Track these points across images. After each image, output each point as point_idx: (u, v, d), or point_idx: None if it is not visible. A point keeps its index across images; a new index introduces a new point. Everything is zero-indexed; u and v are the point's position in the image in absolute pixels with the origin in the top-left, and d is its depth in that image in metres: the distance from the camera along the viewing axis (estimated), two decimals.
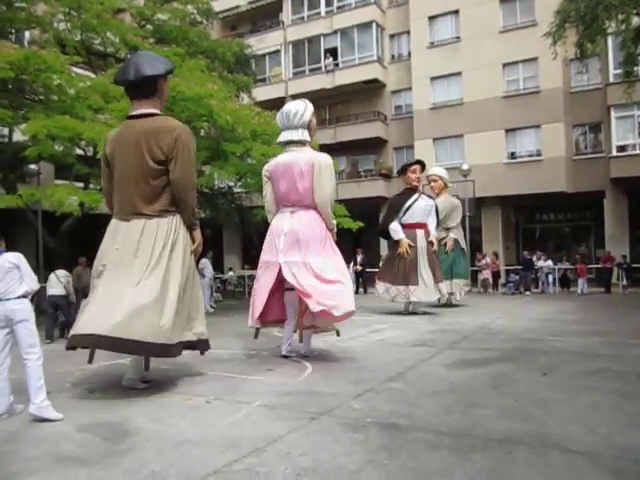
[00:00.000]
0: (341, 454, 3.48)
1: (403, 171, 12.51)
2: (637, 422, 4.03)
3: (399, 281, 11.56)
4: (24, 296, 4.59)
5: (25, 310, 4.54)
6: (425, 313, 11.95)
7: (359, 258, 20.50)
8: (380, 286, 12.05)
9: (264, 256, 6.94)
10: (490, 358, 6.67)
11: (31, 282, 4.67)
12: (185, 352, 7.05)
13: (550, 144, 21.54)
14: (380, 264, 14.17)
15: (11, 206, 11.39)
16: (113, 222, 5.91)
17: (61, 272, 10.72)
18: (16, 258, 4.63)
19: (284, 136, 7.25)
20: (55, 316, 10.52)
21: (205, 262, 15.26)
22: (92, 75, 15.20)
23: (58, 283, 10.52)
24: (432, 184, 14.38)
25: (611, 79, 20.23)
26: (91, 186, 13.46)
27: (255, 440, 3.76)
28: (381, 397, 4.88)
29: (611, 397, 4.75)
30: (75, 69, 13.78)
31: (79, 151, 13.71)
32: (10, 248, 4.91)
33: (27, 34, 16.98)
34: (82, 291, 13.20)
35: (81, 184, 13.73)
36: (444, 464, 3.29)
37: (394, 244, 11.88)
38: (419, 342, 8.11)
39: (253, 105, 17.15)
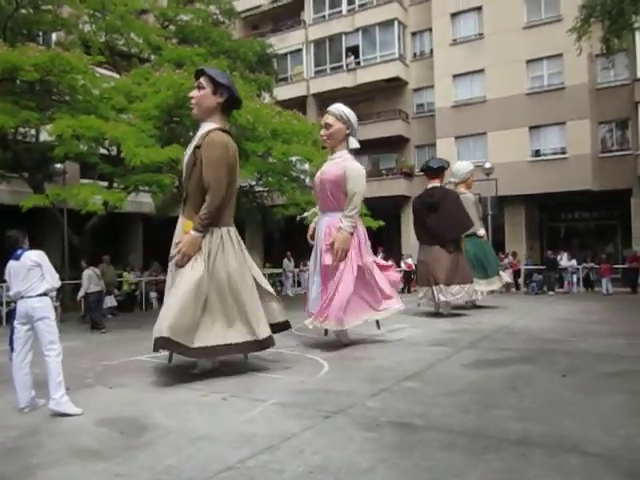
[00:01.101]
0: (354, 453, 3.49)
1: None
2: None
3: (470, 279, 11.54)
4: (45, 294, 4.70)
5: (45, 308, 4.65)
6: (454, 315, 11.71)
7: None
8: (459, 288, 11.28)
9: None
10: (509, 358, 6.59)
11: (52, 280, 4.78)
12: None
13: (575, 141, 21.15)
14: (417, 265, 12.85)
15: (38, 205, 11.62)
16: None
17: (97, 270, 11.65)
18: (38, 256, 4.74)
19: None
20: (99, 307, 11.62)
21: None
22: (116, 76, 15.43)
23: (98, 281, 11.35)
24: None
25: (639, 75, 19.75)
26: (115, 185, 13.67)
27: (269, 437, 3.79)
28: (397, 396, 4.87)
29: (632, 399, 4.66)
30: (99, 70, 14.02)
31: (103, 151, 13.94)
32: (37, 246, 5.04)
33: (54, 36, 17.30)
34: (105, 287, 13.50)
35: (105, 183, 13.96)
36: (457, 464, 3.27)
37: (458, 243, 11.60)
38: (438, 342, 8.06)
39: (274, 104, 17.19)
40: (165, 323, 5.40)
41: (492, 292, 13.62)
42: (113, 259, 15.04)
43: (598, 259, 19.05)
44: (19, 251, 4.75)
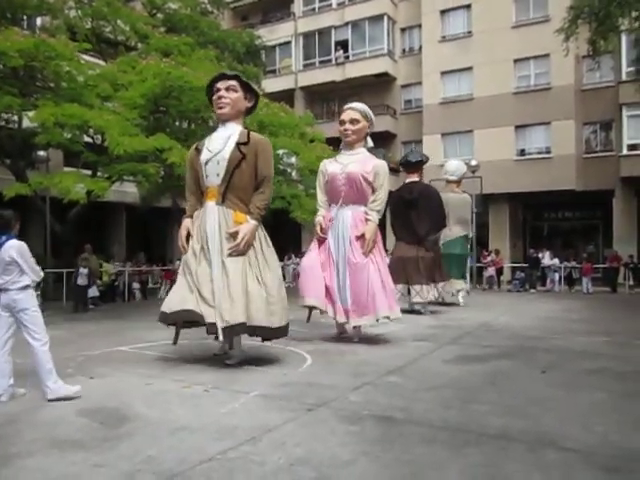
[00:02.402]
0: (336, 445, 3.50)
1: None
2: (633, 422, 4.02)
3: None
4: (27, 287, 4.64)
5: (25, 300, 4.61)
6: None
7: None
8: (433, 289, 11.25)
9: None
10: (490, 355, 6.67)
11: (33, 274, 4.69)
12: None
13: (560, 141, 21.38)
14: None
15: (20, 193, 11.44)
16: None
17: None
18: (17, 252, 4.60)
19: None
20: None
21: None
22: (102, 63, 15.22)
23: None
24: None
25: (624, 77, 20.00)
26: (99, 174, 13.51)
27: (251, 429, 3.79)
28: (379, 390, 4.90)
29: (610, 396, 4.74)
30: (85, 57, 13.80)
31: (87, 139, 13.76)
32: (19, 234, 4.94)
33: (39, 21, 17.00)
34: (87, 276, 13.38)
35: (89, 172, 13.78)
36: (437, 458, 3.30)
37: (435, 243, 11.60)
38: (420, 337, 8.12)
39: (262, 96, 17.08)
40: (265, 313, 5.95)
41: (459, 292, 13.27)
42: (96, 249, 14.89)
43: (580, 258, 19.31)
44: (3, 238, 4.66)
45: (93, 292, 13.44)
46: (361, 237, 7.61)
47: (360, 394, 4.76)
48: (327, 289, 7.71)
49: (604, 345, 7.45)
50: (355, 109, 8.15)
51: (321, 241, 7.94)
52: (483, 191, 19.59)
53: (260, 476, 3.04)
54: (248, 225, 6.11)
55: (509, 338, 8.00)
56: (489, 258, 19.92)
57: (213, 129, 14.16)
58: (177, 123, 14.92)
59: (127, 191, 18.41)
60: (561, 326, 9.46)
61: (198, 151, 6.55)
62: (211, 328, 5.89)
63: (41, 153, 14.41)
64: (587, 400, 4.62)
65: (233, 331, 5.90)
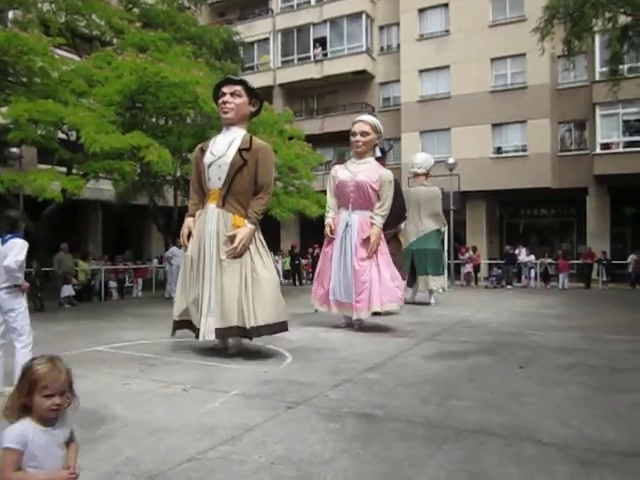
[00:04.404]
0: (316, 443, 3.50)
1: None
2: (606, 415, 4.11)
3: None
4: (15, 286, 4.59)
5: (12, 300, 4.59)
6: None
7: None
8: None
9: None
10: (468, 351, 6.74)
11: (12, 278, 4.62)
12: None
13: (536, 140, 21.68)
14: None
15: None
16: None
17: None
18: (17, 248, 4.58)
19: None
20: None
21: (174, 250, 15.10)
22: (77, 58, 14.94)
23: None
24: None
25: (597, 77, 20.34)
26: (74, 171, 13.28)
27: (231, 428, 3.77)
28: (358, 387, 4.92)
29: (584, 390, 4.83)
30: (59, 52, 13.54)
31: (62, 135, 13.50)
32: None
33: (10, 14, 16.62)
34: (62, 276, 13.17)
35: (64, 169, 13.52)
36: (416, 454, 3.33)
37: (394, 236, 11.35)
38: (399, 334, 8.18)
39: None
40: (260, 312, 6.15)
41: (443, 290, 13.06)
42: (72, 247, 14.65)
43: (555, 255, 19.64)
44: (8, 236, 4.64)
45: (69, 291, 13.23)
46: (366, 240, 8.35)
47: (340, 391, 4.77)
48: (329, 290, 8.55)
49: (579, 340, 7.60)
50: (366, 122, 8.89)
51: (329, 241, 8.76)
52: (460, 188, 19.78)
53: (240, 475, 3.03)
54: (245, 229, 6.35)
55: (487, 334, 8.10)
56: (466, 255, 20.14)
57: (191, 126, 14.15)
58: (154, 120, 14.75)
59: (103, 189, 18.16)
60: (538, 322, 9.61)
61: (202, 152, 6.76)
62: (224, 342, 6.57)
63: (14, 150, 14.12)
64: (563, 394, 4.70)
65: (227, 333, 6.29)
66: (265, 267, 6.44)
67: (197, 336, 6.33)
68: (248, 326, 6.08)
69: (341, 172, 8.90)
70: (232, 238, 6.27)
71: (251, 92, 6.83)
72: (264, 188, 6.57)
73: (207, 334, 6.25)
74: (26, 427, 1.85)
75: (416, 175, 13.40)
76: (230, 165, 6.40)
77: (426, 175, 13.37)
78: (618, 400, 4.53)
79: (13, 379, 4.47)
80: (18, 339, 4.60)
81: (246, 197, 6.51)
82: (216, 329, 6.21)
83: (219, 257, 6.31)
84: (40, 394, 1.86)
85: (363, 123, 8.87)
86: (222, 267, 6.27)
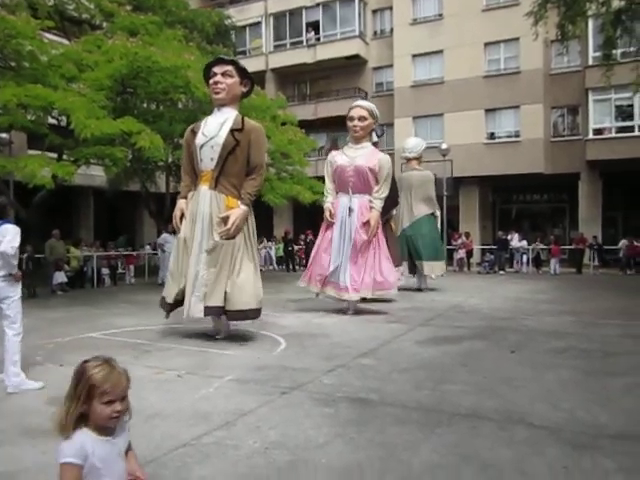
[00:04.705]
0: (310, 428, 3.52)
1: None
2: (598, 398, 4.15)
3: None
4: (9, 274, 4.55)
5: (7, 288, 4.55)
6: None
7: None
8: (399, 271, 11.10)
9: None
10: (462, 336, 6.78)
11: (8, 265, 4.57)
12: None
13: (529, 125, 21.65)
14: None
15: None
16: None
17: None
18: (9, 233, 4.54)
19: None
20: None
21: (166, 237, 15.07)
22: (66, 42, 14.71)
23: None
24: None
25: (590, 62, 20.28)
26: (64, 157, 13.14)
27: (225, 414, 3.78)
28: (352, 373, 4.94)
29: (576, 374, 4.88)
30: (48, 35, 13.32)
31: (52, 121, 13.34)
32: None
33: None
34: (54, 263, 13.10)
35: (54, 155, 13.38)
36: (410, 438, 3.35)
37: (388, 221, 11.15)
38: (393, 319, 8.21)
39: None
40: (254, 294, 6.32)
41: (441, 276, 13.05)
42: (64, 234, 14.55)
43: (547, 240, 19.73)
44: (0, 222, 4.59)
45: (61, 278, 13.17)
46: (366, 223, 8.49)
47: (334, 377, 4.79)
48: (325, 273, 8.59)
49: (571, 324, 7.66)
50: (363, 107, 9.12)
51: (329, 225, 8.79)
52: (453, 174, 19.77)
53: (235, 460, 3.04)
54: (239, 210, 6.36)
55: (480, 319, 8.15)
56: (459, 240, 20.19)
57: (182, 111, 14.00)
58: (145, 105, 14.59)
59: (94, 175, 18.00)
60: (530, 307, 9.67)
61: (194, 133, 6.69)
62: (217, 325, 6.65)
63: (3, 135, 13.95)
64: (555, 378, 4.74)
65: (212, 311, 6.33)
66: (253, 256, 6.56)
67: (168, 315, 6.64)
68: (229, 308, 6.20)
69: (339, 157, 8.97)
70: (225, 219, 6.28)
71: (242, 72, 6.80)
72: (257, 169, 6.57)
73: (192, 312, 6.29)
74: (85, 438, 1.68)
75: (408, 160, 13.33)
76: (222, 146, 6.37)
77: (418, 160, 13.30)
78: (610, 384, 4.58)
79: (4, 370, 4.46)
80: (10, 326, 4.57)
81: (239, 178, 6.51)
82: (205, 307, 6.26)
83: (211, 238, 6.31)
84: (100, 401, 1.68)
85: (360, 108, 9.07)
86: (214, 248, 6.28)
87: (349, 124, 9.04)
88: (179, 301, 6.55)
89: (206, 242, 6.33)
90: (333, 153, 9.32)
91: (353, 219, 8.58)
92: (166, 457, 3.08)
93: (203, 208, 6.40)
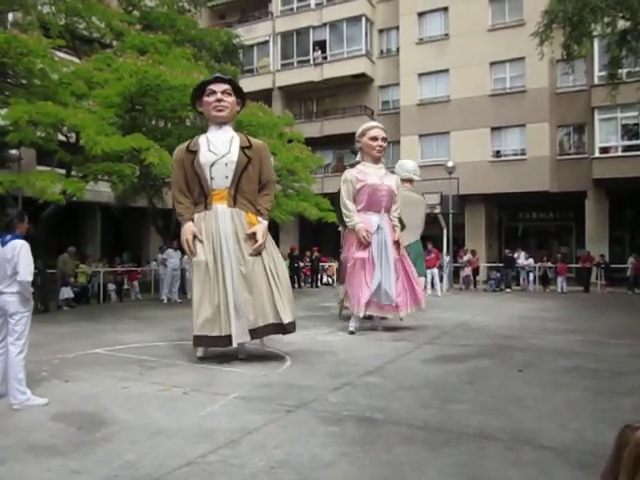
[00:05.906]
0: (316, 447, 3.49)
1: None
2: (607, 418, 4.10)
3: None
4: (19, 291, 4.54)
5: (16, 304, 4.52)
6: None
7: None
8: None
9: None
10: (468, 354, 6.73)
11: (25, 274, 4.55)
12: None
13: (535, 143, 21.71)
14: None
15: None
16: None
17: None
18: (18, 250, 4.54)
19: None
20: None
21: (169, 252, 15.14)
22: (76, 60, 14.92)
23: None
24: None
25: (596, 81, 20.38)
26: (73, 173, 13.25)
27: (230, 432, 3.76)
28: (358, 391, 4.91)
29: (584, 394, 4.83)
30: (59, 54, 13.51)
31: (62, 137, 13.48)
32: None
33: (10, 16, 16.61)
34: (61, 277, 13.17)
35: (63, 171, 13.49)
36: (417, 458, 3.32)
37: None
38: (398, 337, 8.16)
39: None
40: (289, 308, 6.31)
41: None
42: (77, 251, 14.67)
43: (554, 258, 19.64)
44: (7, 237, 4.58)
45: (68, 293, 13.21)
46: (396, 242, 8.79)
47: (339, 395, 4.76)
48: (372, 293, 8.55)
49: (578, 344, 7.59)
50: (382, 129, 9.51)
51: (361, 246, 8.62)
52: (459, 192, 19.79)
53: (240, 479, 3.02)
54: (262, 225, 6.48)
55: (486, 337, 8.09)
56: (465, 258, 20.13)
57: (191, 128, 14.12)
58: (153, 122, 14.73)
59: (102, 191, 18.10)
60: (537, 325, 9.60)
61: (192, 152, 6.49)
62: (240, 346, 6.38)
63: (13, 151, 14.10)
64: (563, 398, 4.69)
65: (265, 331, 6.28)
66: (282, 264, 6.74)
67: (228, 343, 6.08)
68: (285, 321, 6.19)
69: (368, 177, 8.89)
70: (252, 236, 6.32)
71: (239, 92, 6.95)
72: (269, 185, 6.78)
73: (239, 337, 6.06)
74: None
75: (409, 180, 13.24)
76: (237, 163, 6.43)
77: (411, 182, 13.32)
78: (618, 404, 4.53)
79: (7, 387, 4.45)
80: (15, 343, 4.50)
81: (253, 195, 6.62)
82: (251, 330, 6.11)
83: (241, 257, 6.20)
84: None
85: (381, 129, 9.39)
86: (246, 266, 6.21)
87: (372, 143, 9.02)
88: (207, 337, 6.11)
89: (236, 261, 6.17)
90: (352, 172, 9.04)
91: (387, 238, 8.68)
92: (171, 475, 3.06)
93: (224, 227, 6.26)
